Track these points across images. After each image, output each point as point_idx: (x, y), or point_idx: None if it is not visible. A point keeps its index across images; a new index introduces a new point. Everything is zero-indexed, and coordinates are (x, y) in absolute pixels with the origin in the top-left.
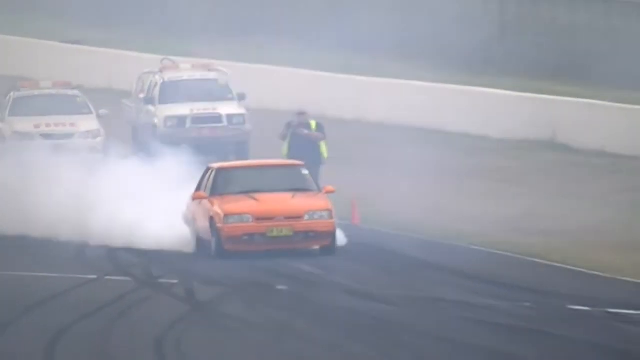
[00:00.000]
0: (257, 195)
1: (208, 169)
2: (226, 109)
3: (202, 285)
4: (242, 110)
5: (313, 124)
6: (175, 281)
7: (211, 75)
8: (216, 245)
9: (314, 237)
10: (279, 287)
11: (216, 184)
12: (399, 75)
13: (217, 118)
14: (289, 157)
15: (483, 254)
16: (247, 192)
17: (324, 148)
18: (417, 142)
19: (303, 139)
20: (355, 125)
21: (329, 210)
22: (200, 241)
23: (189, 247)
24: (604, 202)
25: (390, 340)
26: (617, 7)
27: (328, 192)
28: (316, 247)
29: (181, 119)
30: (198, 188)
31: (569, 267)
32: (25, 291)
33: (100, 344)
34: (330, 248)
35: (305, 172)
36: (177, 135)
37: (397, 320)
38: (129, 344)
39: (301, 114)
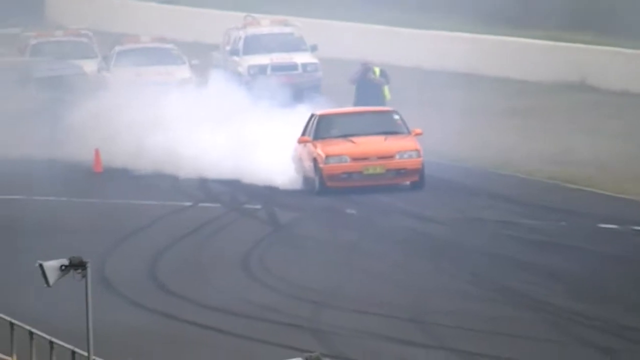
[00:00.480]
0: (354, 139)
1: (312, 115)
2: (301, 58)
3: (281, 210)
4: (314, 60)
5: (377, 70)
6: (259, 206)
7: (287, 29)
8: (319, 183)
9: (405, 174)
10: (349, 210)
11: (318, 129)
12: (447, 29)
13: (294, 66)
14: (357, 98)
15: (524, 181)
16: (345, 135)
17: (386, 92)
18: (466, 87)
19: (368, 83)
20: (412, 72)
21: (417, 150)
22: (305, 179)
23: (297, 184)
24: (629, 136)
25: (446, 258)
26: None
27: (416, 134)
28: (406, 182)
29: (262, 68)
30: (303, 133)
31: (599, 191)
32: (131, 217)
33: (194, 261)
34: (419, 183)
35: (397, 116)
36: (258, 81)
37: (451, 239)
38: (220, 260)
39: (365, 62)
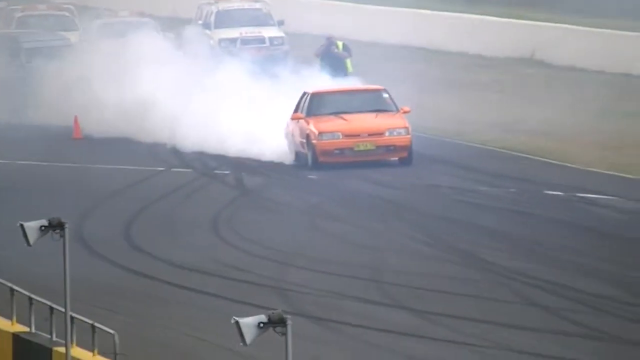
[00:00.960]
0: (345, 116)
1: (304, 93)
2: (269, 32)
3: (249, 175)
4: (281, 34)
5: (340, 44)
6: (228, 172)
7: (256, 5)
8: (312, 158)
9: (394, 150)
10: (310, 176)
11: (311, 106)
12: (409, 6)
13: (261, 39)
14: (321, 70)
15: (477, 149)
16: (337, 113)
17: (349, 64)
18: (425, 61)
19: (332, 56)
20: (373, 47)
21: (406, 128)
22: (297, 154)
23: (288, 158)
24: (576, 109)
25: (404, 221)
26: None
27: (405, 112)
28: (395, 158)
29: (232, 41)
30: (296, 110)
31: (548, 160)
32: (108, 181)
33: (167, 222)
34: (407, 160)
35: (386, 95)
36: (229, 54)
37: (409, 204)
38: (191, 221)
39: (330, 37)
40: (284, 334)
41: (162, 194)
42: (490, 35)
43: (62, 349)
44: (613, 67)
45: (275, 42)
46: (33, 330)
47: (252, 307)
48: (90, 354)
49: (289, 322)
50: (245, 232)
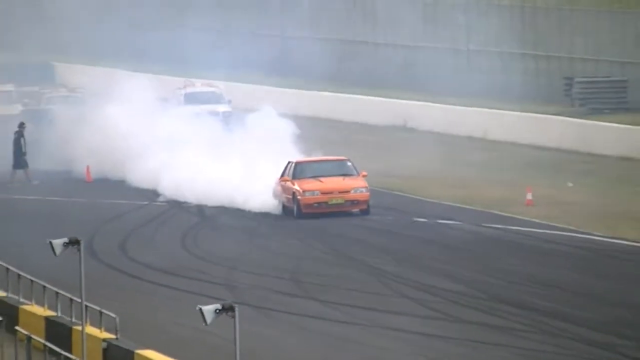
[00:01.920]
0: (321, 179)
1: (289, 162)
2: (221, 108)
3: (208, 208)
4: (230, 109)
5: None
6: (192, 205)
7: (212, 89)
8: (297, 210)
9: (357, 203)
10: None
11: (295, 172)
12: (302, 87)
13: (217, 114)
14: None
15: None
16: (315, 176)
17: None
18: (327, 128)
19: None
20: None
21: (366, 187)
22: (285, 208)
23: (277, 210)
24: (433, 160)
25: (316, 239)
26: None
27: (364, 176)
28: (357, 210)
29: (196, 114)
30: (282, 174)
31: (416, 196)
32: (102, 212)
33: (150, 239)
34: (367, 211)
35: (350, 163)
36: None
37: (320, 227)
38: (167, 238)
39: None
40: (233, 317)
41: (147, 220)
42: (373, 110)
43: (78, 328)
44: (459, 132)
45: (226, 115)
46: (59, 315)
47: (206, 298)
48: (99, 330)
49: (236, 308)
50: (205, 246)
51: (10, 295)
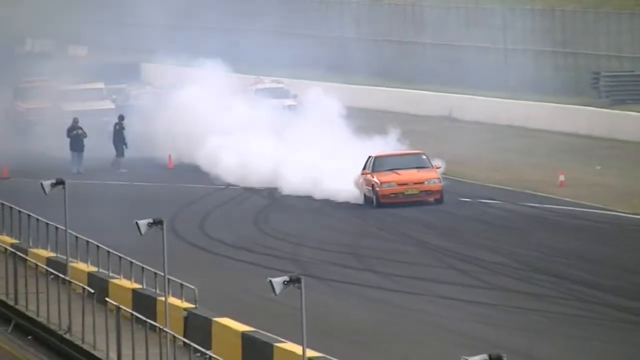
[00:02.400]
0: (398, 171)
1: (369, 156)
2: (287, 102)
3: (278, 193)
4: (295, 102)
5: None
6: (264, 188)
7: (280, 85)
8: (376, 200)
9: (431, 194)
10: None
11: (374, 165)
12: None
13: (285, 107)
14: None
15: None
16: (392, 169)
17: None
18: (378, 119)
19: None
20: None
21: (439, 178)
22: (365, 197)
23: (359, 201)
24: (476, 147)
25: (383, 221)
26: None
27: (437, 168)
28: (432, 199)
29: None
30: (364, 168)
31: (460, 179)
32: (184, 195)
33: (227, 219)
34: (440, 200)
35: (424, 156)
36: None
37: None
38: (241, 218)
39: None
40: (299, 288)
41: (223, 202)
42: (422, 102)
43: (162, 299)
44: (499, 121)
45: (291, 108)
46: (144, 287)
47: (278, 271)
48: (180, 301)
49: (302, 280)
50: (275, 226)
51: (101, 270)
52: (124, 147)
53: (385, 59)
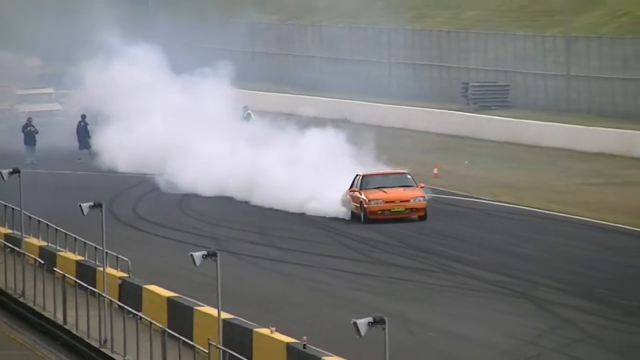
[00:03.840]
0: (385, 189)
1: (356, 175)
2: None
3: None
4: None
5: (251, 113)
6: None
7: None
8: (363, 216)
9: (415, 211)
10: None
11: (362, 183)
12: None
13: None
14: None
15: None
16: (379, 187)
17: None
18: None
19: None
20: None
21: (423, 197)
22: (353, 214)
23: (346, 216)
24: (369, 145)
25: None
26: None
27: (421, 187)
28: (416, 216)
29: None
30: (351, 185)
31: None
32: (122, 182)
33: (156, 203)
34: (424, 217)
35: (409, 176)
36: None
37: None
38: (167, 202)
39: (245, 106)
40: (215, 261)
41: (152, 189)
42: (322, 107)
43: (101, 269)
44: (384, 123)
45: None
46: (86, 259)
47: (199, 247)
48: (115, 271)
49: (217, 254)
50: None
51: (50, 244)
52: (89, 139)
53: (290, 70)
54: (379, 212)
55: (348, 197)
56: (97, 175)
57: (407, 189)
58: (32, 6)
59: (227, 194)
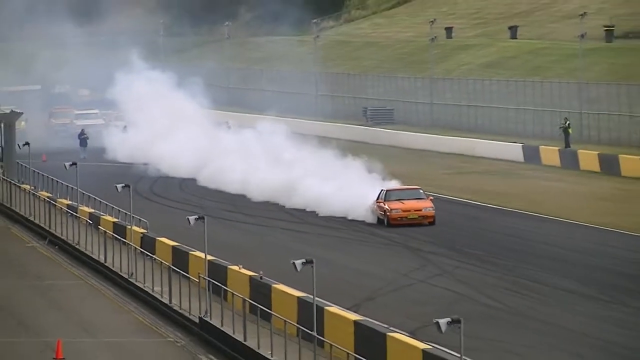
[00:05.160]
0: (403, 201)
1: (381, 190)
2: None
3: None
4: None
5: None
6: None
7: None
8: (387, 221)
9: (426, 218)
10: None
11: (386, 196)
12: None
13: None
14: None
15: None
16: (399, 199)
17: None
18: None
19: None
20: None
21: (432, 207)
22: (378, 220)
23: (373, 221)
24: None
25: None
26: None
27: (431, 199)
28: (427, 222)
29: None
30: (378, 197)
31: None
32: (140, 171)
33: (165, 184)
34: (433, 223)
35: (422, 191)
36: None
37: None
38: (170, 184)
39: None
40: (204, 222)
41: (159, 176)
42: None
43: (129, 227)
44: (313, 134)
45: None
46: (119, 220)
47: (191, 212)
48: (138, 228)
49: (205, 218)
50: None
51: (96, 211)
52: (86, 147)
53: (250, 99)
54: (399, 218)
55: (375, 206)
56: (126, 166)
57: (419, 200)
58: (78, 54)
59: (273, 200)
